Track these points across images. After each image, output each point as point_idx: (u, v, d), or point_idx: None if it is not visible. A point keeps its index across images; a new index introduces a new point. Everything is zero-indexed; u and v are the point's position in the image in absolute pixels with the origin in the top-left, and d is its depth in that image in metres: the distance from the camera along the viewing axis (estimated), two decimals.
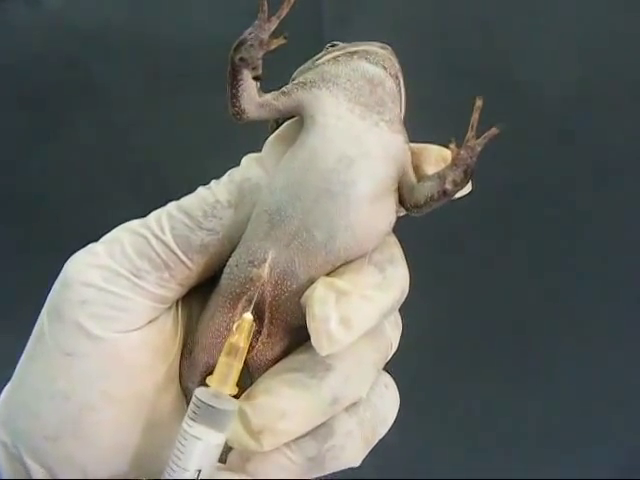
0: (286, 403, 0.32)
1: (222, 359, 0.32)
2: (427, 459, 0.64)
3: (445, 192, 0.34)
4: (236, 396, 0.33)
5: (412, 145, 0.35)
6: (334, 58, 0.35)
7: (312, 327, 0.32)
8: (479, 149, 0.34)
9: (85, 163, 0.66)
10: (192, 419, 0.31)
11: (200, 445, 0.31)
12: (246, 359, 0.33)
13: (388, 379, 0.37)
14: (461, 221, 0.62)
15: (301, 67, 0.37)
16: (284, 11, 0.33)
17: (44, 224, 0.53)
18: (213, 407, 0.31)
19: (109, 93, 0.68)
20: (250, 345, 0.34)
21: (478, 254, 0.67)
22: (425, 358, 0.56)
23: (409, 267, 0.35)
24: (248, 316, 0.33)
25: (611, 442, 0.65)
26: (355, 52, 0.35)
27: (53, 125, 0.67)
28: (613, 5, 0.66)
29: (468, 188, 0.35)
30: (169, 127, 0.66)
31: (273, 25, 0.33)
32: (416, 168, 0.35)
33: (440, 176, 0.34)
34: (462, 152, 0.34)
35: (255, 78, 0.34)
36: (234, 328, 0.33)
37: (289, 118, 0.36)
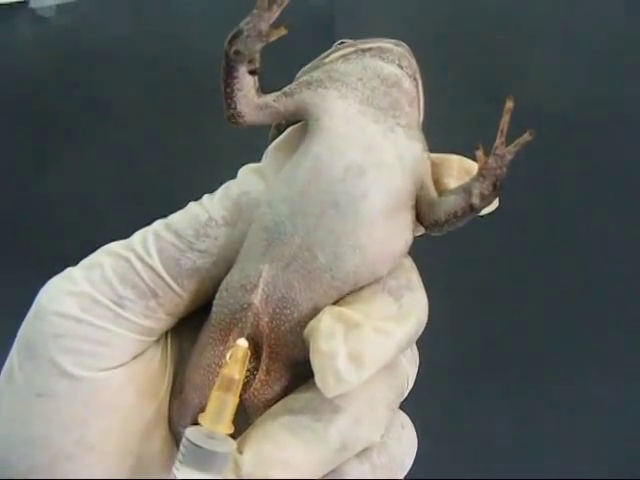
0: (287, 451, 0.28)
1: (215, 393, 0.28)
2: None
3: (472, 207, 0.30)
4: (233, 436, 0.28)
5: (431, 155, 0.32)
6: (343, 56, 0.32)
7: (317, 364, 0.27)
8: (510, 157, 0.30)
9: (88, 182, 0.65)
10: (181, 462, 0.27)
11: None
12: (242, 399, 0.29)
13: (405, 418, 0.33)
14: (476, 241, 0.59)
15: (306, 67, 0.33)
16: None
17: (44, 244, 0.52)
18: (205, 449, 0.27)
19: (114, 111, 0.67)
20: (247, 383, 0.29)
21: (494, 278, 0.64)
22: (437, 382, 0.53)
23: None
24: (242, 342, 0.29)
25: (611, 442, 0.63)
26: (368, 49, 0.32)
27: (58, 143, 0.66)
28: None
29: (495, 204, 0.31)
30: (174, 146, 0.65)
31: (274, 15, 0.29)
32: (435, 182, 0.31)
33: (465, 189, 0.30)
34: (490, 161, 0.30)
35: (251, 72, 0.30)
36: (227, 357, 0.29)
37: (293, 124, 0.32)
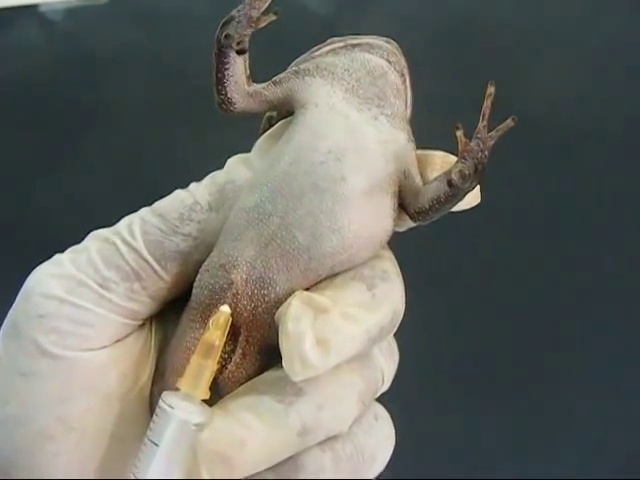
0: (245, 430, 0.28)
1: (194, 358, 0.28)
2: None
3: (450, 183, 0.29)
4: (209, 402, 0.28)
5: (416, 152, 0.32)
6: (333, 50, 0.32)
7: (284, 347, 0.28)
8: (491, 142, 0.30)
9: (97, 188, 0.65)
10: (155, 423, 0.28)
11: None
12: (216, 381, 0.29)
13: (380, 410, 0.32)
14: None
15: (296, 60, 0.34)
16: None
17: (50, 249, 0.53)
18: (175, 416, 0.27)
19: (121, 115, 0.67)
20: (223, 366, 0.30)
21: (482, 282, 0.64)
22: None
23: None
24: (225, 309, 0.29)
25: (611, 442, 0.62)
26: (357, 44, 0.32)
27: (66, 149, 0.67)
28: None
29: (477, 199, 0.31)
30: (176, 151, 0.65)
31: (264, 4, 0.30)
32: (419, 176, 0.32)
33: (447, 173, 0.30)
34: (472, 144, 0.30)
35: (240, 52, 0.31)
36: (210, 323, 0.29)
37: (284, 118, 0.33)
